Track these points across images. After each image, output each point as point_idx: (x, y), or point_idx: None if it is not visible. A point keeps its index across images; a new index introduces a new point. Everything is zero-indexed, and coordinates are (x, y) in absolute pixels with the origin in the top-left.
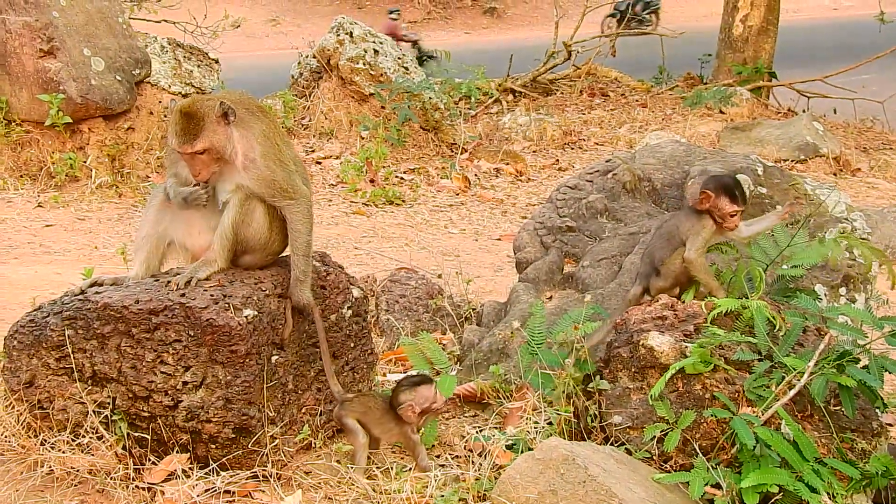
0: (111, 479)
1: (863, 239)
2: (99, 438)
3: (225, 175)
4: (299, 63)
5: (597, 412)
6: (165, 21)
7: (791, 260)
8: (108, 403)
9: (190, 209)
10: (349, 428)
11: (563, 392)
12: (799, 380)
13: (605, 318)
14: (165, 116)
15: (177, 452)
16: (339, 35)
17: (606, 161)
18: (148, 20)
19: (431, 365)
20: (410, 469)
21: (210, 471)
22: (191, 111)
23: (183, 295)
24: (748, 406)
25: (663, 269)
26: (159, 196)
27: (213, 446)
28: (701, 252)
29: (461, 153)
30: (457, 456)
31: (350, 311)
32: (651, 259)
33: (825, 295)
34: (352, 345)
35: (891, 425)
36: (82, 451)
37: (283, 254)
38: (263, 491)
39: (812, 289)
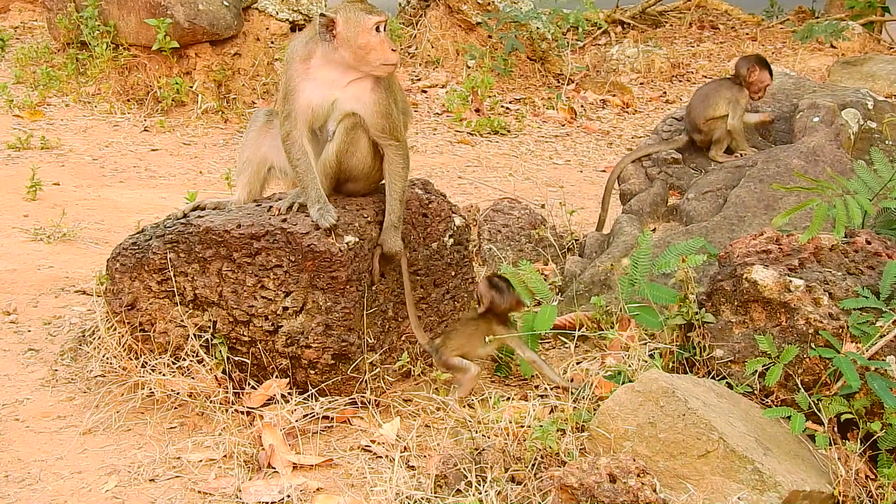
0: (211, 402)
1: None
2: (199, 362)
3: (340, 103)
4: None
5: (698, 345)
6: None
7: (894, 191)
8: (209, 327)
9: None
10: (456, 365)
11: (666, 325)
12: None
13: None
14: (272, 43)
15: (276, 377)
16: None
17: None
18: None
19: (533, 295)
20: (509, 399)
21: (309, 396)
22: None
23: (284, 220)
24: (852, 342)
25: (703, 127)
26: (260, 120)
27: (313, 372)
28: (741, 118)
29: (568, 84)
30: (556, 386)
31: (451, 240)
32: (691, 117)
33: None
34: (452, 273)
35: None
36: (182, 375)
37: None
38: (362, 417)
39: None
